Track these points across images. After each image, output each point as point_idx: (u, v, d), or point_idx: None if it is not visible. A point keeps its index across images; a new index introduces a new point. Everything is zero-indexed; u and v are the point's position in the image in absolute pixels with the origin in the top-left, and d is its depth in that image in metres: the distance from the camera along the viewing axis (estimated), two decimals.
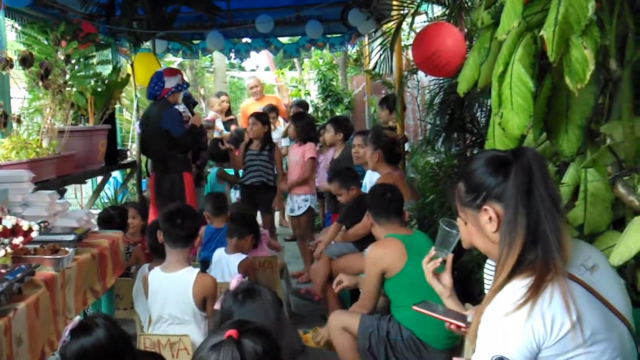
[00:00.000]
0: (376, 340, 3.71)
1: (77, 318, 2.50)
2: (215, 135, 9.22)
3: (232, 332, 1.76)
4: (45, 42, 5.56)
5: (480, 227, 2.10)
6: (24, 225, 2.85)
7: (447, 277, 2.59)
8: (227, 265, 4.52)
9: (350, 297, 4.79)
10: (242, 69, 23.39)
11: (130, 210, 5.36)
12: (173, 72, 6.43)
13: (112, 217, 4.94)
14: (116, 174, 8.07)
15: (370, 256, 3.83)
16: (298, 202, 6.98)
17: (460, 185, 2.15)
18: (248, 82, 10.44)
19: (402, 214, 4.08)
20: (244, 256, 4.53)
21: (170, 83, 6.20)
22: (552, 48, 2.06)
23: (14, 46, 6.12)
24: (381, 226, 3.99)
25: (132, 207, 5.54)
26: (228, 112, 9.84)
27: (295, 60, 16.08)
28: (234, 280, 2.82)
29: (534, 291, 1.85)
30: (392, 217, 3.99)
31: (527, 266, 1.92)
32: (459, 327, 2.41)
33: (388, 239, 3.88)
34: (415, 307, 2.61)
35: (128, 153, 7.64)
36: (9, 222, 2.81)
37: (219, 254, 4.66)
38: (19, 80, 5.20)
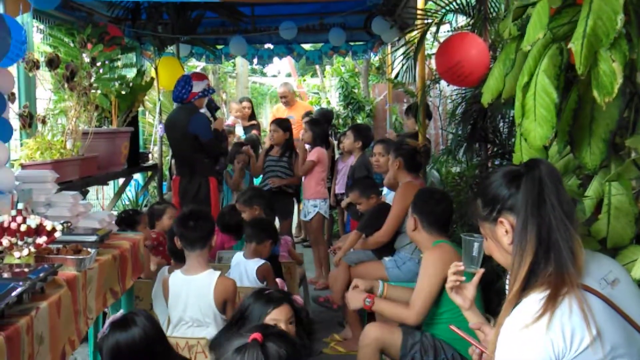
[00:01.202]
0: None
1: (121, 311, 2.61)
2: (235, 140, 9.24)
3: (256, 335, 1.78)
4: (72, 45, 5.62)
5: (498, 241, 2.11)
6: (48, 225, 2.88)
7: (471, 290, 2.57)
8: (245, 270, 4.53)
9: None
10: (263, 74, 23.51)
11: (168, 210, 5.40)
12: (201, 77, 6.48)
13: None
14: (137, 176, 8.13)
15: (434, 260, 3.59)
16: (308, 207, 7.04)
17: (478, 200, 2.18)
18: (279, 90, 10.41)
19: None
20: (262, 261, 4.54)
21: (197, 87, 6.25)
22: (580, 61, 2.05)
23: (40, 48, 6.18)
24: (429, 234, 3.82)
25: (171, 207, 5.56)
26: (251, 117, 9.85)
27: (317, 67, 16.10)
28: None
29: (551, 303, 1.85)
30: (444, 227, 3.88)
31: (543, 279, 1.93)
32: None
33: (442, 244, 3.72)
34: (453, 327, 2.54)
35: (150, 156, 7.70)
36: (33, 221, 2.84)
37: (238, 258, 4.67)
38: (44, 82, 5.25)
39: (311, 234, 7.24)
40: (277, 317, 2.81)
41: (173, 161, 7.04)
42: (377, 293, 3.93)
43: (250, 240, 4.66)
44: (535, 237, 1.95)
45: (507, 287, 2.68)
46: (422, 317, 3.59)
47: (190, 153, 6.22)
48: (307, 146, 7.60)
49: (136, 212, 5.19)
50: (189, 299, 3.65)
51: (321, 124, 7.57)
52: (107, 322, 2.63)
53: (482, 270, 2.58)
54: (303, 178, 7.09)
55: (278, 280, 4.48)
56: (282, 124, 7.27)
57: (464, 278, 2.57)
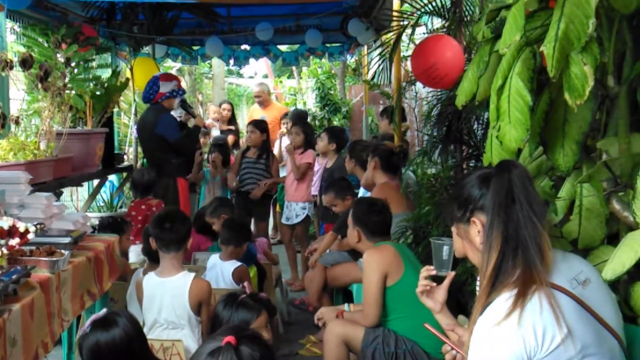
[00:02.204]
0: (380, 355, 3.60)
1: (104, 310, 2.61)
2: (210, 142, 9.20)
3: (230, 338, 1.78)
4: (46, 45, 5.57)
5: (472, 241, 2.15)
6: (21, 226, 2.85)
7: (442, 293, 2.58)
8: (221, 272, 4.53)
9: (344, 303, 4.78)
10: (240, 75, 23.45)
11: None
12: (169, 77, 6.46)
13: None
14: (112, 177, 8.06)
15: (370, 261, 3.71)
16: (296, 210, 7.00)
17: (453, 202, 2.22)
18: (254, 89, 10.37)
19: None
20: (238, 263, 4.54)
21: (165, 88, 6.23)
22: (552, 64, 2.07)
23: (14, 47, 6.12)
24: (373, 243, 3.91)
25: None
26: (230, 121, 9.79)
27: (294, 68, 16.11)
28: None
29: (521, 300, 1.89)
30: (385, 234, 3.99)
31: (511, 278, 1.96)
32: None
33: (382, 245, 3.82)
34: (427, 325, 2.56)
35: (125, 157, 7.65)
36: (5, 223, 2.81)
37: (214, 260, 4.66)
38: (18, 82, 5.19)
39: (297, 237, 7.23)
40: (258, 325, 2.90)
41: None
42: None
43: (226, 244, 4.64)
44: (502, 235, 2.00)
45: (477, 287, 2.72)
46: (375, 317, 3.68)
47: (158, 154, 6.22)
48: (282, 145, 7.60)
49: (124, 220, 5.15)
50: (164, 301, 3.63)
51: (308, 126, 7.58)
52: (89, 321, 2.62)
53: (452, 274, 2.61)
54: (293, 181, 7.04)
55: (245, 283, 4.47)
56: (259, 125, 7.25)
57: (434, 284, 2.59)
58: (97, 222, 5.19)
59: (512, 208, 2.01)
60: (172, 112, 6.48)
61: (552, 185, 2.61)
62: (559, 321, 1.85)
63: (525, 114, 2.25)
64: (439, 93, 4.96)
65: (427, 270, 2.61)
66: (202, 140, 7.96)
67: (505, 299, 1.92)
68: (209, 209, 5.61)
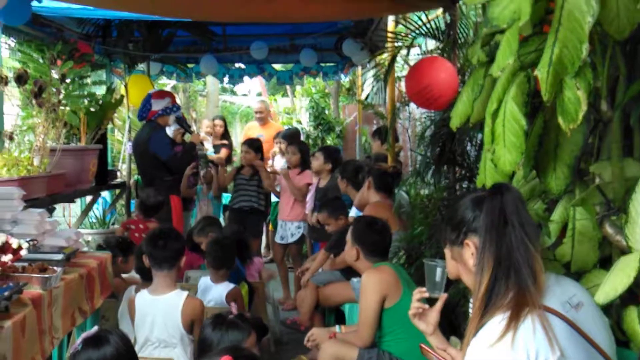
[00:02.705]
0: None
1: (95, 328, 2.59)
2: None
3: (227, 358, 1.78)
4: (41, 61, 5.58)
5: (465, 263, 2.16)
6: (14, 243, 2.85)
7: (434, 316, 2.58)
8: (212, 295, 4.47)
9: (335, 323, 4.76)
10: (234, 93, 23.50)
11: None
12: (162, 94, 6.48)
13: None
14: (105, 194, 8.06)
15: (369, 282, 3.67)
16: (291, 230, 7.00)
17: (446, 225, 2.23)
18: (256, 105, 10.37)
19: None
20: (231, 285, 4.47)
21: (157, 106, 6.24)
22: (546, 88, 2.09)
23: (7, 63, 6.13)
24: (371, 262, 3.88)
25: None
26: (223, 136, 9.80)
27: (288, 87, 16.15)
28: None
29: (514, 322, 1.89)
30: (384, 254, 3.97)
31: (504, 300, 1.96)
32: None
33: (381, 266, 3.79)
34: (424, 346, 2.57)
35: (118, 174, 7.65)
36: None
37: (205, 282, 4.57)
38: (12, 97, 5.20)
39: (292, 256, 7.24)
40: (248, 345, 2.94)
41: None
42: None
43: (218, 267, 4.53)
44: (494, 257, 2.01)
45: (470, 309, 2.73)
46: (369, 338, 3.66)
47: (152, 171, 6.23)
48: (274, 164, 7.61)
49: (132, 242, 5.10)
50: (156, 319, 3.61)
51: (304, 145, 7.60)
52: (80, 338, 2.61)
53: (445, 296, 2.61)
54: (288, 200, 7.06)
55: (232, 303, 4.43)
56: (254, 144, 7.26)
57: (426, 306, 2.59)
58: (89, 239, 5.17)
59: (504, 230, 2.02)
60: (168, 129, 6.48)
61: (545, 208, 2.62)
62: (552, 344, 1.85)
63: (520, 137, 2.26)
64: (432, 114, 4.99)
65: (420, 293, 2.61)
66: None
67: (498, 321, 1.92)
68: (196, 228, 5.60)
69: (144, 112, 6.27)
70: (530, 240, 2.01)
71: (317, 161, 7.03)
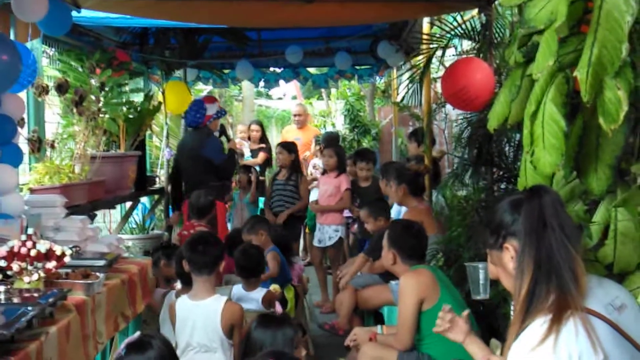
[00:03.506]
0: None
1: (138, 332, 2.63)
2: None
3: None
4: (80, 70, 5.66)
5: (505, 267, 2.14)
6: (57, 250, 2.90)
7: (463, 325, 2.59)
8: (249, 304, 4.46)
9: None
10: (269, 97, 23.57)
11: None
12: (211, 99, 6.62)
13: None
14: (145, 199, 8.14)
15: (407, 285, 3.67)
16: (329, 233, 7.01)
17: (486, 229, 2.22)
18: (295, 108, 10.45)
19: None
20: (264, 290, 4.49)
21: (211, 110, 6.38)
22: (585, 89, 2.08)
23: (47, 72, 6.23)
24: (408, 266, 3.87)
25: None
26: (261, 140, 9.85)
27: (323, 90, 16.17)
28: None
29: (556, 325, 1.87)
30: (421, 258, 3.96)
31: (546, 303, 1.94)
32: None
33: (419, 269, 3.78)
34: None
35: (157, 179, 7.72)
36: (42, 246, 2.86)
37: (239, 292, 4.53)
38: (53, 106, 5.29)
39: (330, 259, 7.26)
40: (300, 342, 2.94)
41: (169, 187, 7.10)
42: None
43: (249, 276, 4.53)
44: (534, 260, 1.99)
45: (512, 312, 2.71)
46: (408, 341, 3.65)
47: (200, 176, 6.29)
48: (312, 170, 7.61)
49: (176, 247, 5.14)
50: (196, 324, 3.64)
51: (341, 148, 7.63)
52: (124, 343, 2.65)
53: (467, 312, 2.62)
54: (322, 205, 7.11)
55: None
56: (287, 146, 7.32)
57: (448, 325, 2.60)
58: (129, 244, 5.23)
59: (544, 233, 1.99)
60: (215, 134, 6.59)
61: (586, 210, 2.60)
62: (594, 346, 1.83)
63: (560, 139, 2.25)
64: (469, 115, 4.96)
65: (444, 312, 2.64)
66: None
67: (540, 324, 1.91)
68: (245, 226, 5.62)
69: (200, 117, 6.35)
70: (570, 242, 1.99)
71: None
